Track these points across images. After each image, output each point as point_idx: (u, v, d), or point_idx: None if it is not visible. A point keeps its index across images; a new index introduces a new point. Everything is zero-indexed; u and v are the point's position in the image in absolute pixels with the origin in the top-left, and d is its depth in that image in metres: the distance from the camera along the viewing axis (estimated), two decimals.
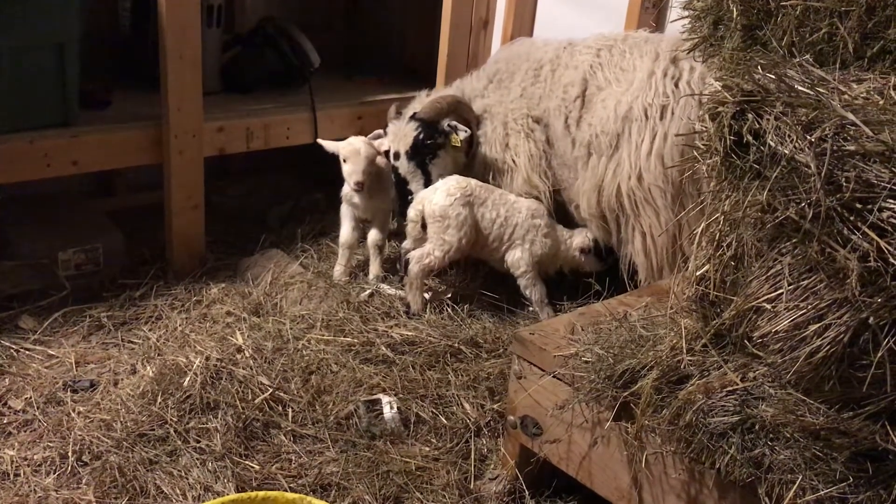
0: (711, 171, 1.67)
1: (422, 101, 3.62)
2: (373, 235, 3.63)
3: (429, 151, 3.46)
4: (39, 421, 2.60)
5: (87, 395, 2.76)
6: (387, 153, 3.55)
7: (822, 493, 1.60)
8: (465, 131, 3.43)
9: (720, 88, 1.70)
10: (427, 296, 3.36)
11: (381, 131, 3.68)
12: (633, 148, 3.01)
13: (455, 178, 3.36)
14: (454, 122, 3.43)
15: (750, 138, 1.59)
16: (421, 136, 3.42)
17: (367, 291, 3.47)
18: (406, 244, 3.46)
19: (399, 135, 3.48)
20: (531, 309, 3.42)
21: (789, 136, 1.54)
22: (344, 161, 3.45)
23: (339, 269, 3.60)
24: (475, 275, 3.64)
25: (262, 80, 4.08)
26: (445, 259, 3.29)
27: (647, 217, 3.04)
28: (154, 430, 2.54)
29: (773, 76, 1.69)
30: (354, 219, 3.64)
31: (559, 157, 3.38)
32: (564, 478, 2.33)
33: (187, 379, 2.71)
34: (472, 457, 2.58)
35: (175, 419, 2.57)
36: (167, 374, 2.74)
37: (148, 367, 2.83)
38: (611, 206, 3.15)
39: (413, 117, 3.46)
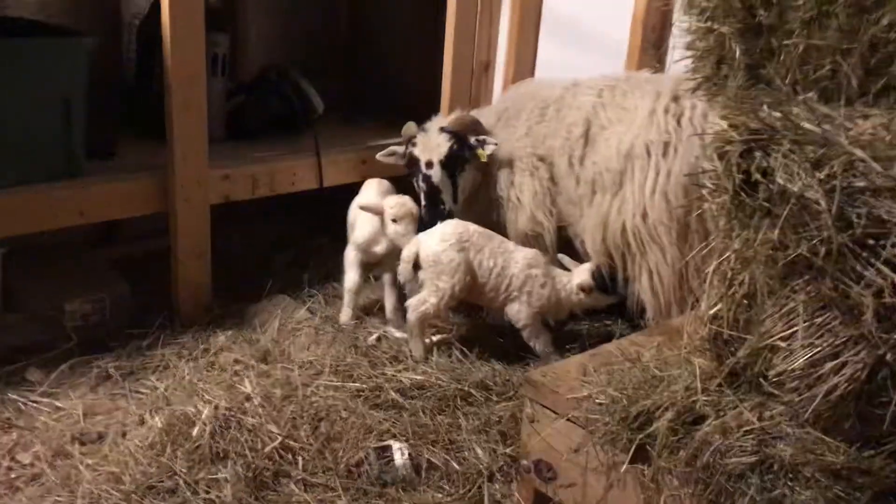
0: (721, 210, 1.67)
1: (439, 120, 3.68)
2: (387, 275, 3.64)
3: (459, 163, 3.50)
4: (47, 475, 2.57)
5: (95, 447, 2.73)
6: (415, 163, 3.54)
7: None
8: (495, 144, 3.46)
9: (726, 127, 1.71)
10: (435, 338, 3.34)
11: (396, 148, 3.69)
12: (636, 186, 3.03)
13: (453, 223, 3.32)
14: (483, 137, 3.49)
15: (759, 177, 1.59)
16: (454, 147, 3.48)
17: (375, 335, 3.46)
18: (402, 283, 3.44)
19: (430, 145, 3.52)
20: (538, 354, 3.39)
21: (798, 173, 1.54)
22: (394, 221, 3.41)
23: (346, 313, 3.60)
24: (482, 316, 3.63)
25: (266, 127, 4.11)
26: (441, 306, 3.24)
27: (653, 255, 3.04)
28: (163, 481, 2.50)
29: (778, 114, 1.69)
30: (363, 265, 3.63)
31: (564, 194, 3.40)
32: None
33: (196, 429, 2.68)
34: (486, 503, 2.54)
35: (184, 470, 2.53)
36: (176, 424, 2.71)
37: (156, 418, 2.80)
38: (616, 244, 3.16)
39: (443, 129, 3.52)
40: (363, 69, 5.08)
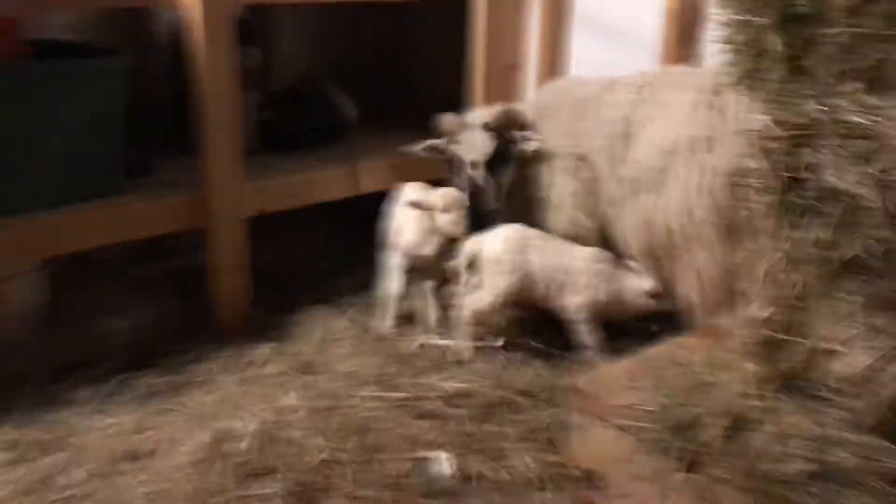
0: (769, 209, 1.61)
1: (480, 115, 3.58)
2: (430, 283, 3.63)
3: (505, 162, 3.44)
4: (101, 491, 2.59)
5: (146, 462, 2.74)
6: (458, 162, 3.50)
7: None
8: (540, 139, 3.40)
9: (770, 123, 1.65)
10: (479, 343, 3.31)
11: (436, 143, 3.63)
12: (680, 183, 2.95)
13: (514, 226, 3.35)
14: (528, 132, 3.42)
15: (807, 174, 1.54)
16: (498, 145, 3.41)
17: (417, 343, 3.43)
18: (457, 287, 3.44)
19: (474, 144, 3.44)
20: (585, 355, 3.34)
21: (848, 169, 1.48)
22: (445, 212, 3.42)
23: (388, 323, 3.58)
24: (525, 322, 3.59)
25: (300, 138, 4.11)
26: (497, 305, 3.24)
27: (700, 253, 2.96)
28: (214, 496, 2.51)
29: (824, 108, 1.63)
30: (408, 272, 3.63)
31: (605, 194, 3.34)
32: None
33: (244, 443, 2.68)
34: None
35: (233, 485, 2.54)
36: (223, 439, 2.72)
37: (204, 432, 2.81)
38: (661, 244, 3.09)
39: (487, 126, 3.44)
40: (399, 75, 5.07)
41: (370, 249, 4.29)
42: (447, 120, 3.57)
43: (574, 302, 3.26)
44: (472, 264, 3.32)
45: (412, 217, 3.55)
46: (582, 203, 3.37)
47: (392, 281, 3.62)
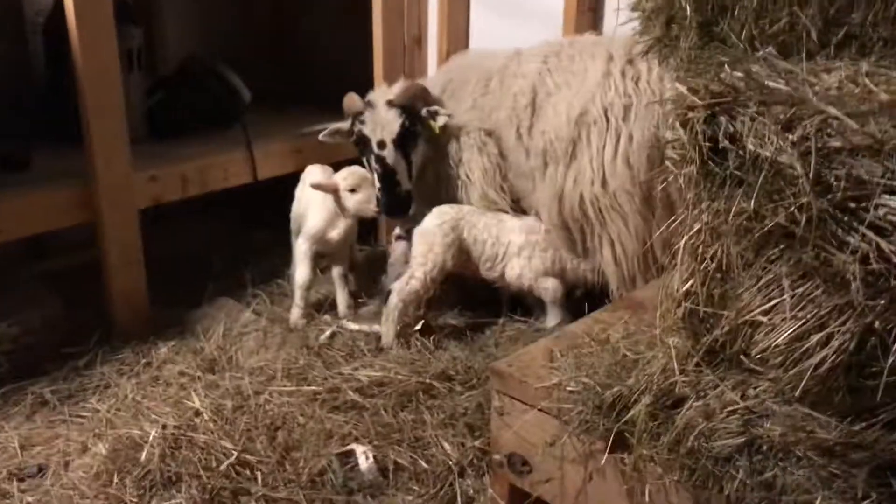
0: (688, 181, 1.55)
1: (383, 90, 3.45)
2: (338, 269, 3.53)
3: (412, 139, 3.30)
4: None
5: (35, 482, 2.53)
6: (365, 142, 3.33)
7: None
8: (447, 114, 3.27)
9: (685, 91, 1.59)
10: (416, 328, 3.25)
11: (340, 125, 3.49)
12: (594, 152, 2.90)
13: (448, 205, 3.30)
14: (434, 107, 3.29)
15: (727, 143, 1.48)
16: (406, 122, 3.26)
17: (328, 332, 3.30)
18: (387, 279, 3.39)
19: (380, 123, 3.27)
20: (497, 332, 3.28)
21: (769, 137, 1.43)
22: (352, 191, 3.31)
23: (296, 312, 3.43)
24: (435, 304, 3.50)
25: (192, 123, 3.89)
26: (428, 280, 3.17)
27: (615, 224, 2.93)
28: None
29: (740, 74, 1.58)
30: (315, 258, 3.48)
31: (514, 168, 3.27)
32: None
33: (144, 453, 2.50)
34: (459, 501, 2.43)
35: (135, 499, 2.36)
36: (122, 450, 2.53)
37: (100, 444, 2.61)
38: (574, 216, 3.04)
39: (391, 104, 3.28)
40: (289, 54, 4.87)
41: (275, 237, 4.14)
42: (350, 100, 3.41)
43: (514, 272, 3.22)
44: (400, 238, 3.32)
45: (317, 200, 3.42)
46: (491, 179, 3.29)
47: (300, 268, 3.47)
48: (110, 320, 3.37)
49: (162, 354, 3.15)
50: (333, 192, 3.34)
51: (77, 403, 2.94)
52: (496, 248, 3.23)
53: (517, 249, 3.20)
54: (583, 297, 3.16)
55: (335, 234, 3.42)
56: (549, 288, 3.23)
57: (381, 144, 3.27)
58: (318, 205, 3.42)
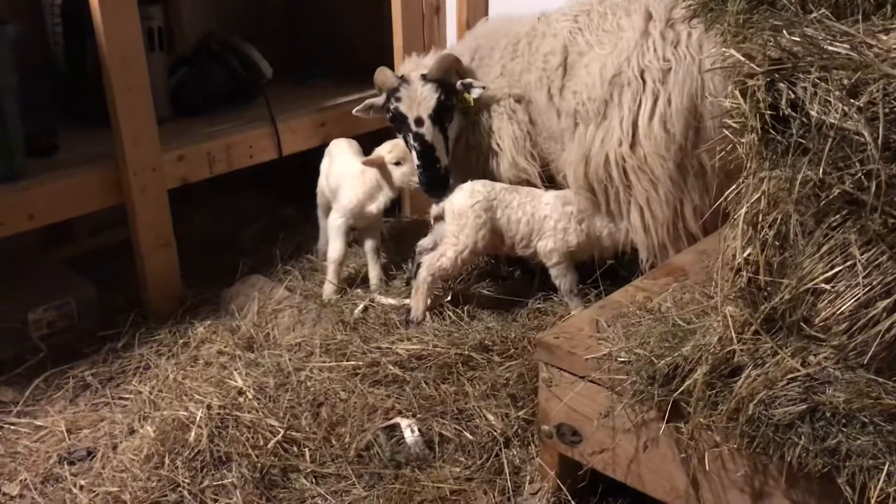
0: (749, 149, 1.54)
1: (415, 62, 3.40)
2: (371, 242, 3.52)
3: (449, 114, 3.26)
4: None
5: (86, 465, 2.56)
6: (402, 119, 3.27)
7: None
8: (482, 86, 3.22)
9: (741, 58, 1.57)
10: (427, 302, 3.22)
11: (374, 101, 3.41)
12: (625, 113, 2.85)
13: (481, 182, 3.23)
14: (468, 80, 3.24)
15: (789, 111, 1.46)
16: (443, 97, 3.20)
17: (361, 306, 3.30)
18: (425, 242, 3.35)
19: (417, 99, 3.21)
20: (532, 302, 3.28)
21: (833, 103, 1.41)
22: (397, 164, 3.30)
23: (329, 288, 3.43)
24: (468, 274, 3.50)
25: (214, 100, 3.86)
26: (458, 261, 3.15)
27: (642, 188, 2.89)
28: (167, 495, 2.36)
29: (797, 38, 1.56)
30: (348, 233, 3.48)
31: (544, 131, 3.23)
32: (609, 479, 2.21)
33: (192, 434, 2.53)
34: (507, 471, 2.45)
35: (187, 480, 2.39)
36: (170, 431, 2.55)
37: (147, 426, 2.64)
38: (599, 177, 2.99)
39: (426, 78, 3.23)
40: (308, 27, 4.81)
41: (302, 211, 4.14)
42: (383, 74, 3.35)
43: (546, 247, 3.19)
44: (439, 218, 3.25)
45: (352, 174, 3.40)
46: (521, 147, 3.26)
47: (334, 243, 3.46)
48: (144, 302, 3.38)
49: (199, 334, 3.16)
50: (380, 165, 3.32)
51: (119, 386, 2.97)
52: (531, 224, 3.18)
53: (553, 223, 3.16)
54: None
55: (374, 207, 3.41)
56: (566, 278, 3.21)
57: (419, 121, 3.23)
58: (355, 179, 3.40)
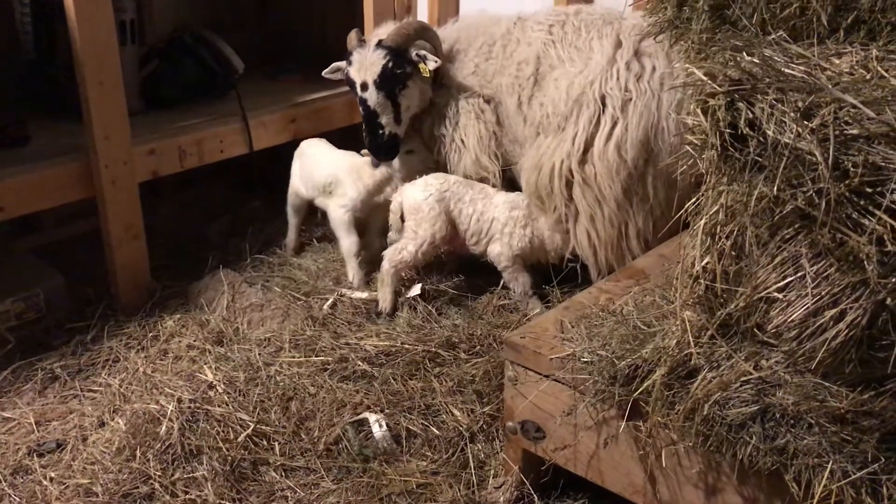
0: (709, 164, 1.62)
1: (387, 29, 3.42)
2: (377, 227, 3.68)
3: (398, 81, 3.27)
4: (10, 497, 2.42)
5: (56, 457, 2.58)
6: (351, 84, 3.34)
7: (854, 476, 1.59)
8: (435, 61, 3.25)
9: (703, 77, 1.65)
10: (410, 293, 3.29)
11: (339, 64, 3.46)
12: (580, 130, 2.94)
13: (434, 175, 3.32)
14: (423, 52, 3.27)
15: (747, 130, 1.55)
16: (390, 64, 3.23)
17: (329, 301, 3.35)
18: (392, 235, 3.42)
19: (365, 64, 3.26)
20: (492, 299, 3.35)
21: (788, 124, 1.50)
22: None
23: (358, 282, 3.50)
24: (433, 270, 3.57)
25: (185, 94, 3.87)
26: (419, 254, 3.23)
27: (587, 205, 2.99)
28: (138, 487, 2.40)
29: (757, 60, 1.64)
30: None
31: (510, 134, 3.31)
32: (571, 474, 2.30)
33: (163, 427, 2.56)
34: (472, 465, 2.52)
35: (159, 473, 2.43)
36: (141, 424, 2.59)
37: (118, 419, 2.67)
38: (544, 186, 3.08)
39: (380, 45, 3.26)
40: (278, 20, 4.83)
41: (271, 205, 4.17)
42: (350, 37, 3.40)
43: (495, 250, 3.27)
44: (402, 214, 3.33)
45: (352, 167, 3.48)
46: (486, 146, 3.34)
47: (346, 238, 3.52)
48: (113, 295, 3.39)
49: (168, 328, 3.19)
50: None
51: (88, 378, 2.99)
52: (480, 223, 3.27)
53: (500, 227, 3.24)
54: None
55: (381, 196, 3.51)
56: (518, 281, 3.29)
57: (364, 86, 3.27)
58: (359, 170, 3.49)
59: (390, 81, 3.26)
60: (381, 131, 3.30)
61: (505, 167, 3.41)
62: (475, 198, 3.28)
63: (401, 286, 3.32)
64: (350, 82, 3.33)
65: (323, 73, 3.51)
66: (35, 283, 3.28)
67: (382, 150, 3.34)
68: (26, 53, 3.66)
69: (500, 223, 3.24)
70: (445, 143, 3.44)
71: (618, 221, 3.00)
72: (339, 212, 3.52)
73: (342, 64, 3.42)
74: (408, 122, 3.43)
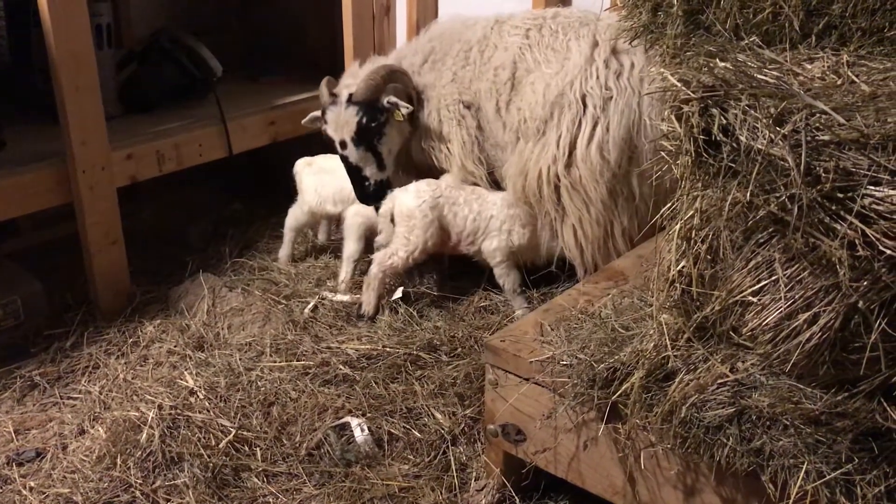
0: (683, 170, 1.64)
1: (354, 74, 3.44)
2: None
3: (374, 133, 3.31)
4: None
5: (35, 466, 2.57)
6: (330, 142, 3.38)
7: (829, 476, 1.61)
8: (407, 107, 3.28)
9: (677, 83, 1.66)
10: (394, 297, 3.31)
11: (316, 114, 3.50)
12: (563, 133, 2.95)
13: (426, 181, 3.33)
14: (394, 99, 3.28)
15: (721, 136, 1.56)
16: (364, 120, 3.27)
17: (311, 304, 3.35)
18: (381, 239, 3.42)
19: (340, 122, 3.30)
20: (473, 302, 3.37)
21: (761, 130, 1.52)
22: None
23: (344, 286, 3.49)
24: (414, 273, 3.57)
25: (164, 97, 3.85)
26: (409, 260, 3.24)
27: (576, 207, 3.01)
28: (119, 496, 2.39)
29: (730, 66, 1.66)
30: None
31: (491, 138, 3.32)
32: (551, 476, 2.31)
33: (144, 434, 2.55)
34: (453, 468, 2.53)
35: (140, 480, 2.42)
36: (121, 432, 2.58)
37: (98, 426, 2.66)
38: (533, 191, 3.10)
39: (350, 101, 3.29)
40: (258, 22, 4.82)
41: (253, 208, 4.17)
42: (322, 89, 3.43)
43: (490, 246, 3.29)
44: (393, 219, 3.33)
45: None
46: (469, 152, 3.35)
47: (351, 244, 3.53)
48: (92, 300, 3.38)
49: (149, 333, 3.18)
50: None
51: (67, 385, 2.97)
52: (477, 222, 3.29)
53: (498, 224, 3.27)
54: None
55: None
56: (509, 277, 3.32)
57: (343, 144, 3.33)
58: None
59: (367, 135, 3.31)
60: (367, 183, 3.37)
61: (489, 169, 3.42)
62: (469, 199, 3.30)
63: (384, 291, 3.31)
64: (328, 140, 3.39)
65: (303, 122, 3.57)
66: (12, 290, 3.25)
67: (371, 199, 3.40)
68: (2, 58, 3.63)
69: (498, 220, 3.27)
70: (435, 153, 3.46)
71: (604, 221, 3.02)
72: (355, 218, 3.56)
73: (318, 114, 3.47)
74: (393, 162, 3.46)
